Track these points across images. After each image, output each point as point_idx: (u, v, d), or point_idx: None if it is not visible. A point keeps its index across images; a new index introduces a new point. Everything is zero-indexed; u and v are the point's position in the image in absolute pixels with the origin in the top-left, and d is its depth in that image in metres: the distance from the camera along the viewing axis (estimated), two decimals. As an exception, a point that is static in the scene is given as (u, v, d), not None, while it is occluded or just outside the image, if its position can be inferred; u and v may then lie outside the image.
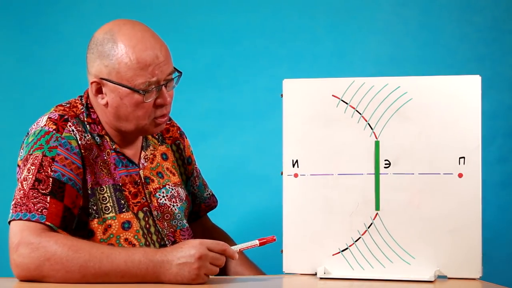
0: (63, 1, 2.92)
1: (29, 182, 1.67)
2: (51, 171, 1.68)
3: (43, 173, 1.67)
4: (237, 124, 2.81)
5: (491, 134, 2.56)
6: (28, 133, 1.78)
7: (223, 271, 1.98)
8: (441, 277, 1.70)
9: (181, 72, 1.79)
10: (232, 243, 2.02)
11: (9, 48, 2.92)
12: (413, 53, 2.74)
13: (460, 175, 1.70)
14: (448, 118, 1.71)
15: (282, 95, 1.77)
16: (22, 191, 1.66)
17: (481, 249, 1.68)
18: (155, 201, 1.85)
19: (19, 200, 1.66)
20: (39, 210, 1.64)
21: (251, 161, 2.79)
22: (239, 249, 1.68)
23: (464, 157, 1.70)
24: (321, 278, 1.71)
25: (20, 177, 1.69)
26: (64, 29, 2.91)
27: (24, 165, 1.70)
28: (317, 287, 1.67)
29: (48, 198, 1.65)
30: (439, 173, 1.71)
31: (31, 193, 1.65)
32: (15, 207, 1.65)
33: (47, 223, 1.63)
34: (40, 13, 2.92)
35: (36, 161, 1.68)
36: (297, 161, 1.76)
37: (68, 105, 1.82)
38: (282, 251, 1.76)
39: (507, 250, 2.67)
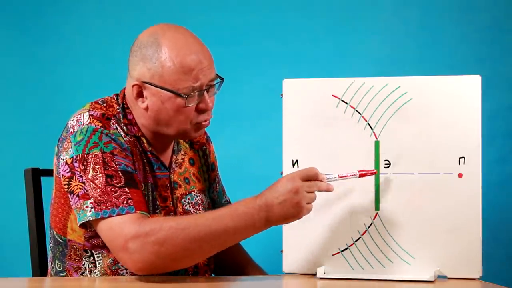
0: (63, 1, 2.92)
1: (101, 180, 1.66)
2: (116, 164, 1.68)
3: (110, 169, 1.67)
4: (237, 124, 2.81)
5: (491, 134, 2.55)
6: (68, 130, 1.75)
7: (232, 273, 1.98)
8: (441, 277, 1.70)
9: (223, 78, 1.79)
10: (246, 255, 2.02)
11: (9, 48, 2.92)
12: (413, 53, 2.74)
13: (460, 175, 1.70)
14: (448, 118, 1.71)
15: (282, 95, 1.77)
16: (98, 189, 1.65)
17: (481, 249, 1.68)
18: (181, 207, 1.85)
19: (99, 198, 1.65)
20: (125, 202, 1.64)
21: (251, 161, 2.79)
22: (338, 177, 1.67)
23: (464, 157, 1.70)
24: (321, 278, 1.71)
25: (87, 177, 1.67)
26: (64, 29, 2.91)
27: (84, 165, 1.68)
28: (317, 287, 1.68)
29: (127, 189, 1.66)
30: (439, 173, 1.71)
31: (109, 189, 1.65)
32: (98, 205, 1.65)
33: (138, 211, 1.64)
34: (40, 13, 2.92)
35: (98, 159, 1.68)
36: (297, 161, 1.76)
37: (104, 104, 1.80)
38: (282, 251, 1.76)
39: (507, 250, 2.67)
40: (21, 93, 2.91)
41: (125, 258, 1.62)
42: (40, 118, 2.89)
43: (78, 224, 1.69)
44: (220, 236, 1.61)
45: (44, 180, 2.06)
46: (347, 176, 1.68)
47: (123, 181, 1.67)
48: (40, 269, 2.02)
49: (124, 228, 1.61)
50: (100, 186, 1.66)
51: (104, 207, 1.64)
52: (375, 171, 1.70)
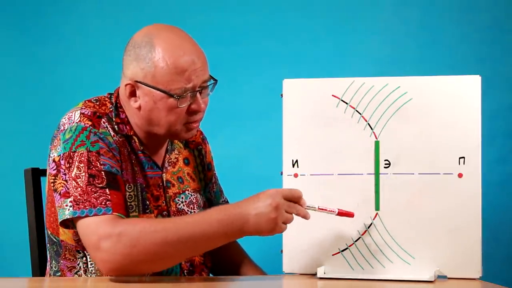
0: (63, 1, 2.92)
1: (83, 179, 1.66)
2: (100, 164, 1.68)
3: (93, 169, 1.67)
4: (237, 124, 2.81)
5: (491, 134, 2.55)
6: (59, 128, 1.76)
7: (229, 271, 1.98)
8: (441, 277, 1.70)
9: (216, 80, 1.79)
10: (243, 252, 2.01)
11: (9, 48, 2.92)
12: (413, 53, 2.74)
13: (460, 175, 1.70)
14: (448, 118, 1.71)
15: (282, 95, 1.77)
16: (79, 189, 1.66)
17: (481, 249, 1.68)
18: (174, 206, 1.84)
19: (78, 197, 1.65)
20: (103, 203, 1.64)
21: (251, 161, 2.79)
22: (317, 208, 1.66)
23: (464, 157, 1.70)
24: (321, 278, 1.71)
25: (70, 175, 1.68)
26: (64, 29, 2.91)
27: (69, 163, 1.69)
28: (317, 287, 1.68)
29: (107, 190, 1.66)
30: (439, 173, 1.71)
31: (90, 188, 1.65)
32: (77, 204, 1.65)
33: (115, 213, 1.64)
34: (40, 13, 2.92)
35: (83, 158, 1.68)
36: (297, 161, 1.76)
37: (97, 103, 1.80)
38: (282, 251, 1.76)
39: (507, 250, 2.67)
40: (21, 93, 2.91)
41: (97, 257, 1.62)
42: (40, 118, 2.89)
43: (58, 223, 1.70)
44: (191, 240, 1.61)
45: (44, 180, 2.05)
46: (326, 210, 1.68)
47: (105, 182, 1.67)
48: (40, 269, 2.02)
49: (98, 228, 1.62)
50: (81, 185, 1.66)
51: (82, 206, 1.64)
52: (353, 213, 1.69)
